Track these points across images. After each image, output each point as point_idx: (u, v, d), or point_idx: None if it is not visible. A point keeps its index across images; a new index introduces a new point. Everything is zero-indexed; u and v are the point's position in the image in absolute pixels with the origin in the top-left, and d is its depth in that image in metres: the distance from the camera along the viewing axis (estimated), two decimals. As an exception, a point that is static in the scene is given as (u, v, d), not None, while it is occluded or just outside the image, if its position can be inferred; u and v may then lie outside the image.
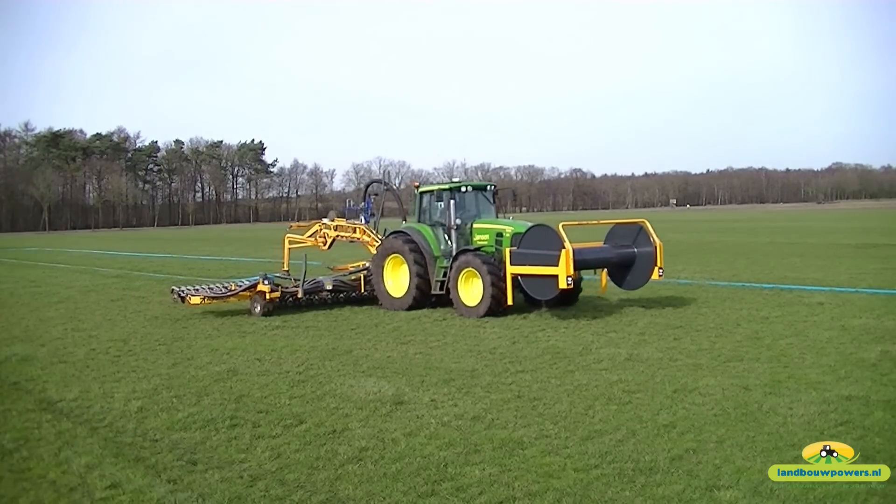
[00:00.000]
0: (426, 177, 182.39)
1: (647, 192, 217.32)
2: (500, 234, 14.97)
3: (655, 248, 14.53)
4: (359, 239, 18.29)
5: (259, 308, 15.54)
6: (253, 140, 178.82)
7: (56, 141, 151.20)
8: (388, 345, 12.07)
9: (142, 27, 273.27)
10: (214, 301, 15.89)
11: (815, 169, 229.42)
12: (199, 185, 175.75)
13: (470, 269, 14.61)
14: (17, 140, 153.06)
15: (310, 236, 19.12)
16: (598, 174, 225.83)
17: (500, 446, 6.81)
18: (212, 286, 16.97)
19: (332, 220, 18.89)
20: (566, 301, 14.97)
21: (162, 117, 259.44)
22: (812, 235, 43.50)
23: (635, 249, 14.85)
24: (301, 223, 20.62)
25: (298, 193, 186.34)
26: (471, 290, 14.70)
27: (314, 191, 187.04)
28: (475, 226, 15.57)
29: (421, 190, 16.92)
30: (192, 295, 15.83)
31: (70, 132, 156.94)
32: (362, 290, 17.22)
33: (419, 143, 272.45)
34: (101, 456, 6.84)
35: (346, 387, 9.19)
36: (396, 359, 10.93)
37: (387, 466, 6.40)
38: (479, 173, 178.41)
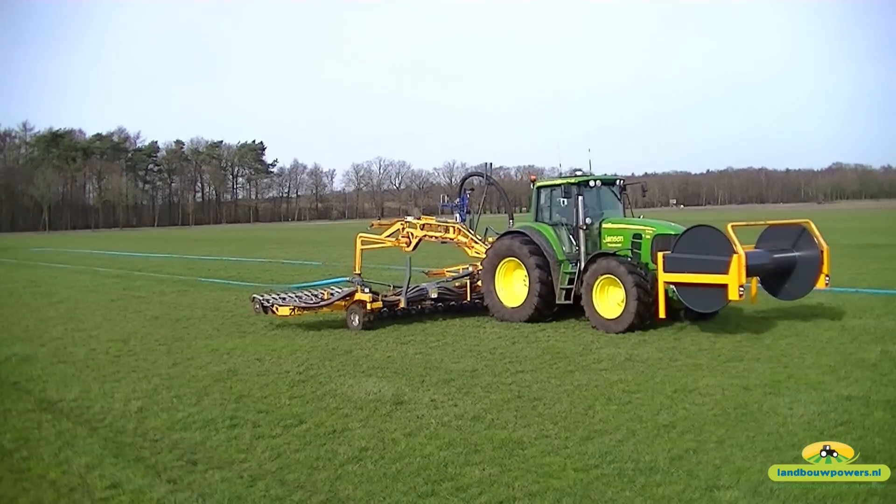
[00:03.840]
0: (426, 177, 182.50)
1: (647, 192, 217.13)
2: (637, 236, 13.18)
3: (821, 252, 12.75)
4: (453, 240, 16.18)
5: (358, 320, 13.64)
6: (253, 140, 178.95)
7: (56, 141, 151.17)
8: (388, 345, 12.07)
9: (142, 27, 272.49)
10: (306, 312, 14.05)
11: (815, 169, 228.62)
12: (199, 185, 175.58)
13: (609, 276, 12.71)
14: (17, 140, 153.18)
15: (388, 236, 17.00)
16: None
17: (500, 446, 6.81)
18: (300, 294, 15.06)
19: (418, 219, 16.73)
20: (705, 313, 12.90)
21: (162, 117, 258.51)
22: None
23: (796, 254, 13.04)
24: (383, 221, 18.43)
25: (298, 193, 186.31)
26: (607, 300, 12.88)
27: (314, 191, 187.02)
28: (605, 226, 13.73)
29: (539, 185, 14.95)
30: (280, 305, 13.98)
31: (70, 132, 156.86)
32: (468, 298, 15.42)
33: (419, 143, 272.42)
34: (101, 456, 6.84)
35: (346, 387, 9.19)
36: (396, 359, 10.94)
37: (387, 466, 6.40)
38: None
